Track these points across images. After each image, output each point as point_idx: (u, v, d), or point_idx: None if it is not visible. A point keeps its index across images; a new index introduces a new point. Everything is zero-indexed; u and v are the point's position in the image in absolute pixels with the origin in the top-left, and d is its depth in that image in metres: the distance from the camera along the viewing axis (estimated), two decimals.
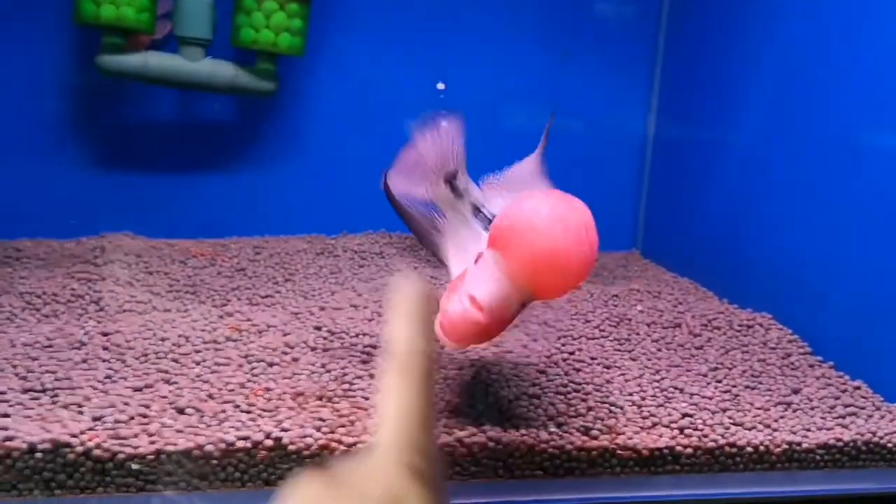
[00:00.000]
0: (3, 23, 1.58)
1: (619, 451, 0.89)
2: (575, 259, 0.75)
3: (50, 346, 1.05)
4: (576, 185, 1.91)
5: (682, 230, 1.73)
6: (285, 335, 1.13)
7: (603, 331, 1.24)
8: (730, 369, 1.12)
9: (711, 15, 1.70)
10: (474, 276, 0.78)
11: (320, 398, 0.93)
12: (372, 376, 0.99)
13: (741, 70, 1.57)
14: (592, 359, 1.11)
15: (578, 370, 1.06)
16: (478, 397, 0.96)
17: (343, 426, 0.87)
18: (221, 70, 1.61)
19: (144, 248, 1.59)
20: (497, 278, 0.76)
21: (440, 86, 1.63)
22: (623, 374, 1.06)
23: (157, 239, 1.66)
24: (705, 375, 1.09)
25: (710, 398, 1.02)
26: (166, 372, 0.97)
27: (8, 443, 0.77)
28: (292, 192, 1.77)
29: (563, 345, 1.16)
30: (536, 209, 0.77)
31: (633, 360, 1.13)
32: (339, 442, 0.84)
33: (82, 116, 1.66)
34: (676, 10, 1.84)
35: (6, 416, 0.84)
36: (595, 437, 0.90)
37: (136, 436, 0.82)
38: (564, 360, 1.10)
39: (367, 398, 0.93)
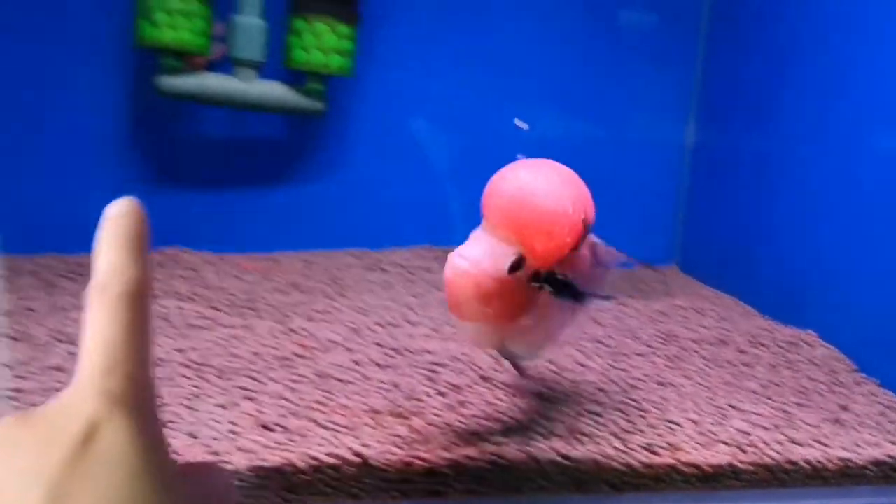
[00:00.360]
0: (66, 45, 1.63)
1: (681, 468, 0.93)
2: (544, 204, 0.77)
3: None
4: (611, 197, 1.96)
5: (722, 244, 1.77)
6: (350, 351, 1.18)
7: (652, 347, 1.28)
8: (779, 387, 1.16)
9: (753, 21, 1.72)
10: (465, 243, 0.82)
11: (395, 415, 0.98)
12: (441, 394, 1.04)
13: (785, 76, 1.59)
14: (646, 376, 1.15)
15: (634, 387, 1.11)
16: (543, 413, 1.01)
17: (420, 443, 0.91)
18: (273, 91, 1.66)
19: (199, 263, 1.65)
20: (481, 236, 0.80)
21: (522, 125, 1.68)
22: (678, 392, 1.11)
23: (209, 253, 1.72)
24: (757, 393, 1.14)
25: (764, 415, 1.06)
26: (246, 389, 1.02)
27: None
28: (339, 207, 1.83)
29: (616, 362, 1.21)
30: (513, 167, 0.81)
31: (686, 377, 1.17)
32: (420, 458, 0.88)
33: (139, 135, 1.72)
34: (717, 17, 1.87)
35: None
36: (658, 454, 0.94)
37: (229, 452, 0.87)
38: (619, 377, 1.14)
39: (438, 416, 0.98)
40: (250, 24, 1.63)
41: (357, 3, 1.66)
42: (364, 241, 1.82)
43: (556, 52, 1.88)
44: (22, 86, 1.62)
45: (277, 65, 1.66)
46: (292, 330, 1.26)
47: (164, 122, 1.73)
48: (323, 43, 1.63)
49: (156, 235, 1.49)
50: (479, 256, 0.77)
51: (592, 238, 0.90)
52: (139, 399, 0.40)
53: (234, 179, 1.79)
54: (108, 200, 1.47)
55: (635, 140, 1.94)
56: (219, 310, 1.39)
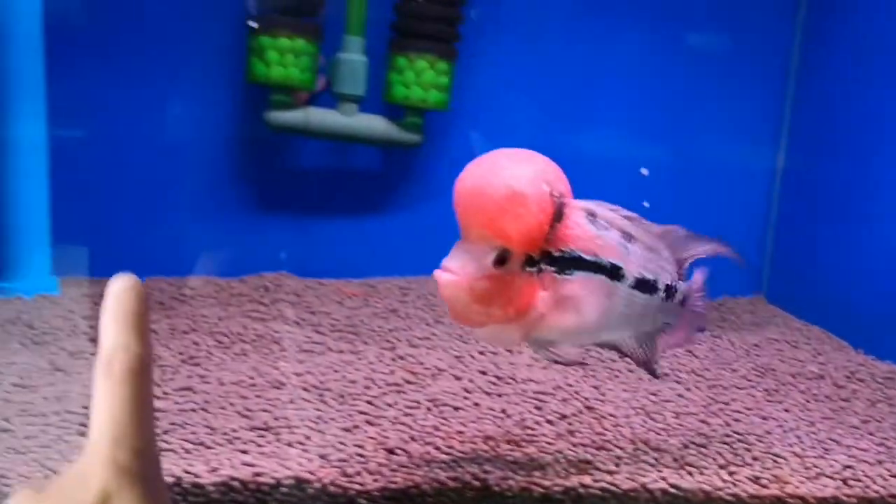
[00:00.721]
0: (184, 80, 1.73)
1: (788, 500, 0.96)
2: (500, 189, 0.77)
3: (254, 385, 1.17)
4: (697, 224, 1.98)
5: (812, 275, 1.77)
6: (458, 379, 1.24)
7: (750, 381, 1.31)
8: (879, 422, 1.19)
9: (847, 46, 1.72)
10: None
11: (508, 442, 1.03)
12: (550, 422, 1.09)
13: (883, 102, 1.58)
14: (748, 409, 1.18)
15: (737, 420, 1.14)
16: (649, 443, 1.05)
17: (536, 469, 0.96)
18: (374, 124, 1.73)
19: (301, 288, 1.72)
20: (459, 245, 0.81)
21: (644, 171, 1.74)
22: (780, 426, 1.14)
23: (310, 278, 1.79)
24: (857, 428, 1.16)
25: (866, 450, 1.08)
26: (367, 413, 1.08)
27: (258, 478, 0.89)
28: (434, 235, 1.88)
29: (716, 394, 1.24)
30: (466, 169, 0.82)
31: (787, 411, 1.20)
32: (537, 485, 0.93)
33: (246, 165, 1.80)
34: (810, 42, 1.88)
35: (245, 452, 0.95)
36: (765, 486, 0.97)
37: (358, 474, 0.93)
38: (721, 409, 1.18)
39: (550, 444, 1.03)
40: (353, 61, 1.70)
41: (456, 41, 1.72)
42: None
43: (647, 82, 1.91)
44: (139, 118, 1.71)
45: (376, 99, 1.73)
46: (400, 357, 1.32)
47: (269, 154, 1.81)
48: (423, 79, 1.70)
49: (261, 261, 1.58)
50: (461, 262, 0.79)
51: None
52: (146, 470, 0.42)
53: (334, 208, 1.87)
54: (217, 227, 1.56)
55: (723, 167, 1.96)
56: (325, 334, 1.46)
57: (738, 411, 1.18)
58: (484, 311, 0.81)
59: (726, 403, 1.20)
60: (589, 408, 1.15)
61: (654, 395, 1.22)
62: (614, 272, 0.86)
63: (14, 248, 1.54)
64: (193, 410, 1.07)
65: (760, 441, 1.08)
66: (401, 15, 1.71)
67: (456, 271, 0.79)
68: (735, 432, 1.10)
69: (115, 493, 0.39)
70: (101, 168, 1.72)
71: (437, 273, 0.80)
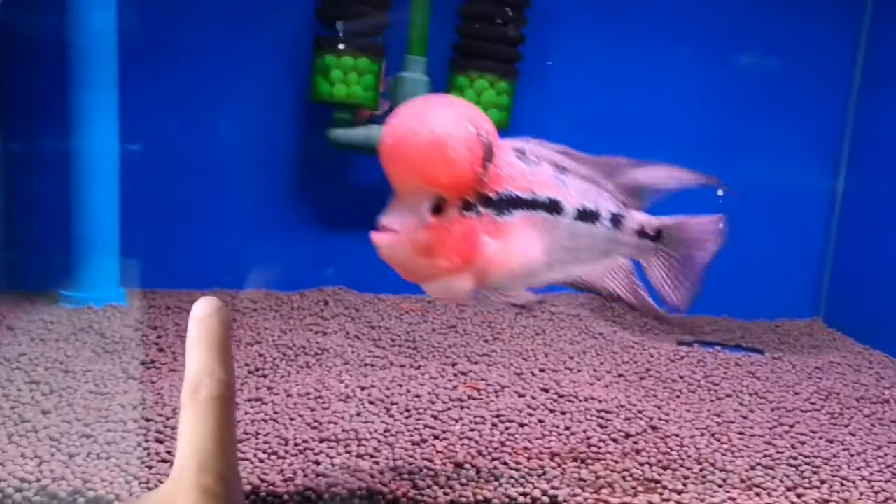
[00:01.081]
0: (247, 99, 1.76)
1: None
2: (425, 137, 0.74)
3: (321, 398, 1.19)
4: (755, 247, 1.99)
5: (872, 298, 1.76)
6: (521, 396, 1.25)
7: (814, 404, 1.31)
8: None
9: None
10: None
11: (575, 459, 1.04)
12: (615, 440, 1.10)
13: None
14: (813, 432, 1.18)
15: (803, 443, 1.14)
16: (715, 464, 1.05)
17: (604, 487, 0.97)
18: None
19: (360, 303, 1.75)
20: (392, 202, 0.79)
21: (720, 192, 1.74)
22: (846, 449, 1.13)
23: (368, 293, 1.81)
24: None
25: None
26: (433, 428, 1.10)
27: (333, 489, 0.91)
28: None
29: (780, 417, 1.24)
30: (387, 125, 0.79)
31: (852, 435, 1.19)
32: (606, 502, 0.94)
33: (307, 182, 1.84)
34: (871, 65, 1.87)
35: (318, 463, 0.97)
36: None
37: (429, 487, 0.94)
38: (786, 432, 1.17)
39: (617, 462, 1.03)
40: (415, 80, 1.73)
41: (516, 60, 1.74)
42: None
43: (705, 103, 1.92)
44: (205, 133, 1.76)
45: None
46: (462, 373, 1.33)
47: (329, 171, 1.84)
48: (483, 98, 1.72)
49: (319, 276, 1.60)
50: (397, 218, 0.77)
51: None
52: (229, 495, 0.44)
53: None
54: (278, 241, 1.59)
55: (782, 188, 1.95)
56: (385, 349, 1.47)
57: (804, 434, 1.17)
58: (429, 264, 0.78)
59: (791, 426, 1.20)
60: (653, 427, 1.15)
61: (717, 416, 1.22)
62: (552, 206, 0.83)
63: (86, 259, 1.58)
64: (265, 421, 1.09)
65: (827, 464, 1.07)
66: (462, 35, 1.73)
67: (393, 228, 0.77)
68: (801, 455, 1.09)
69: None
70: (166, 182, 1.77)
71: (374, 234, 0.78)
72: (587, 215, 0.86)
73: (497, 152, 0.78)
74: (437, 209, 0.77)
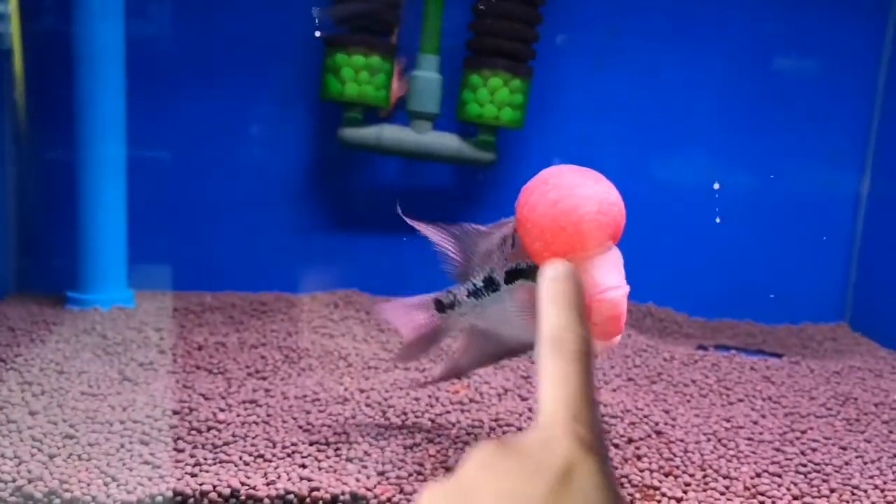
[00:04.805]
0: (257, 99, 1.75)
1: None
2: (592, 210, 0.81)
3: (318, 400, 1.16)
4: (778, 250, 1.93)
5: None
6: (524, 399, 1.21)
7: (830, 409, 1.26)
8: None
9: None
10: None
11: None
12: (616, 446, 1.06)
13: None
14: (826, 438, 1.13)
15: (814, 450, 1.09)
16: (719, 471, 1.01)
17: None
18: (447, 142, 1.73)
19: (371, 305, 1.72)
20: (592, 261, 0.83)
21: (716, 185, 1.71)
22: (860, 457, 1.08)
23: (380, 296, 1.79)
24: None
25: None
26: (428, 431, 1.07)
27: (315, 493, 0.88)
28: None
29: (793, 422, 1.19)
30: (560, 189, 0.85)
31: (867, 441, 1.14)
32: None
33: (319, 182, 1.82)
34: None
35: (304, 466, 0.95)
36: None
37: (416, 492, 0.91)
38: (797, 438, 1.13)
39: (616, 468, 1.00)
40: (429, 79, 1.70)
41: (531, 59, 1.71)
42: None
43: (727, 105, 1.87)
44: (214, 135, 1.75)
45: (449, 116, 1.73)
46: (465, 375, 1.30)
47: (342, 171, 1.83)
48: (496, 97, 1.69)
49: (331, 277, 1.58)
50: (618, 275, 0.82)
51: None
52: (602, 448, 0.43)
53: (405, 225, 1.86)
54: (289, 243, 1.57)
55: (806, 191, 1.91)
56: (392, 351, 1.45)
57: (816, 440, 1.12)
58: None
59: (803, 432, 1.15)
60: (658, 432, 1.11)
61: (726, 421, 1.18)
62: None
63: (93, 261, 1.57)
64: (255, 423, 1.07)
65: (839, 472, 1.03)
66: (475, 33, 1.70)
67: (620, 284, 0.81)
68: (812, 462, 1.05)
69: (580, 464, 0.39)
70: (176, 185, 1.76)
71: (615, 293, 0.81)
72: None
73: None
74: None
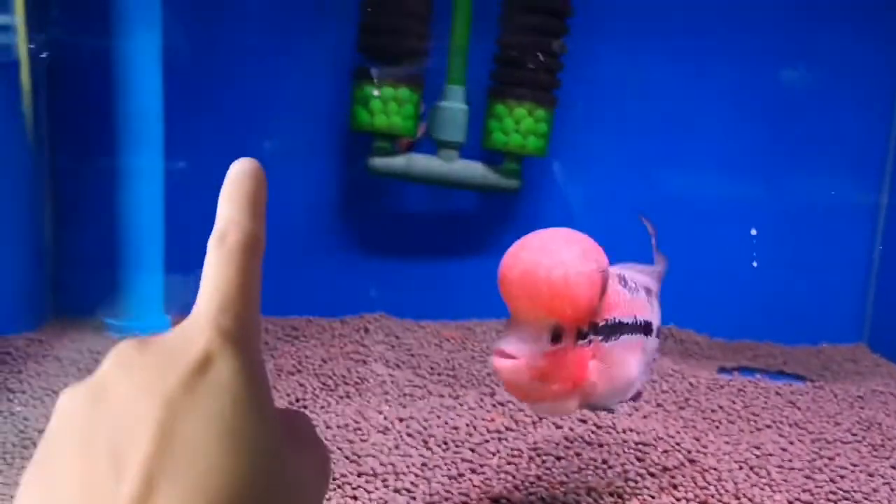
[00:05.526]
0: (288, 127, 1.80)
1: None
2: (559, 275, 0.78)
3: (359, 429, 1.20)
4: (793, 268, 1.96)
5: None
6: (558, 427, 1.25)
7: (855, 435, 1.29)
8: None
9: None
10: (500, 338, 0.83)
11: (611, 494, 1.04)
12: (652, 475, 1.10)
13: None
14: (854, 465, 1.17)
15: (843, 477, 1.13)
16: (753, 499, 1.05)
17: None
18: (473, 170, 1.77)
19: (400, 330, 1.76)
20: (512, 324, 0.82)
21: (753, 231, 1.75)
22: (887, 483, 1.12)
23: (408, 319, 1.83)
24: None
25: None
26: (470, 462, 1.11)
27: None
28: None
29: (820, 449, 1.23)
30: (515, 251, 0.82)
31: (893, 468, 1.18)
32: None
33: (347, 209, 1.86)
34: None
35: (355, 498, 0.99)
36: None
37: None
38: (826, 465, 1.17)
39: (653, 497, 1.04)
40: (455, 109, 1.75)
41: (555, 88, 1.75)
42: None
43: (745, 122, 1.91)
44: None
45: (474, 144, 1.77)
46: (500, 403, 1.34)
47: (370, 198, 1.87)
48: (521, 126, 1.73)
49: (361, 302, 1.63)
50: (518, 345, 0.80)
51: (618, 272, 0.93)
52: (247, 338, 0.43)
53: (432, 251, 1.91)
54: (320, 268, 1.62)
55: (823, 207, 1.94)
56: (425, 377, 1.49)
57: (844, 467, 1.16)
58: (543, 388, 0.82)
59: (831, 458, 1.19)
60: (691, 461, 1.15)
61: (756, 448, 1.21)
62: (646, 328, 0.92)
63: (130, 287, 1.62)
64: None
65: (867, 499, 1.06)
66: (500, 63, 1.75)
67: (514, 354, 0.80)
68: (841, 489, 1.09)
69: (218, 354, 0.40)
70: (209, 211, 1.80)
71: (496, 359, 0.81)
72: (656, 330, 0.96)
73: (608, 283, 0.85)
74: (556, 338, 0.82)
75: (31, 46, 1.61)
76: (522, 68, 1.72)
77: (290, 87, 1.79)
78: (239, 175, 0.49)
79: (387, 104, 1.68)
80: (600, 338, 0.86)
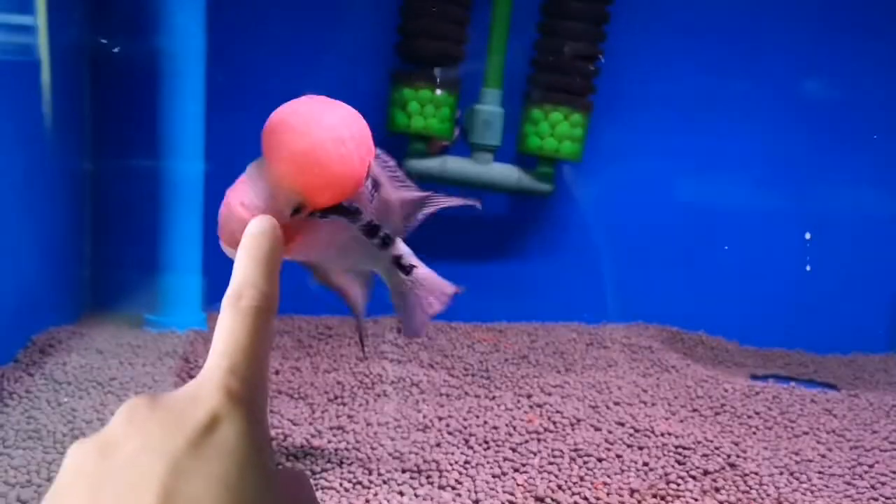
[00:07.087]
0: None
1: None
2: (327, 157, 0.73)
3: (400, 427, 1.21)
4: (823, 276, 1.96)
5: None
6: (597, 430, 1.26)
7: (893, 443, 1.30)
8: None
9: None
10: (241, 184, 0.79)
11: (654, 496, 1.05)
12: (693, 478, 1.10)
13: None
14: (894, 473, 1.17)
15: (884, 484, 1.13)
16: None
17: None
18: (508, 173, 1.78)
19: (433, 331, 1.77)
20: (255, 170, 0.78)
21: (807, 236, 1.76)
22: None
23: (439, 321, 1.84)
24: None
25: None
26: (513, 461, 1.11)
27: None
28: (560, 282, 1.92)
29: (859, 456, 1.23)
30: (294, 110, 0.77)
31: None
32: None
33: None
34: None
35: (401, 494, 1.00)
36: None
37: None
38: (866, 472, 1.17)
39: (696, 500, 1.04)
40: (490, 113, 1.76)
41: (591, 93, 1.76)
42: (581, 315, 1.90)
43: (775, 135, 1.91)
44: None
45: (508, 147, 1.78)
46: (538, 405, 1.34)
47: None
48: (557, 130, 1.74)
49: (389, 301, 1.62)
50: (258, 203, 0.77)
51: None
52: (254, 400, 0.44)
53: (465, 253, 1.92)
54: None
55: (854, 217, 1.94)
56: (459, 378, 1.50)
57: (884, 474, 1.16)
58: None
59: (871, 466, 1.19)
60: (731, 465, 1.15)
61: (795, 454, 1.22)
62: (354, 212, 0.88)
63: (169, 284, 1.63)
64: (347, 450, 1.12)
65: None
66: (537, 68, 1.76)
67: (251, 210, 0.77)
68: (883, 496, 1.09)
69: (225, 417, 0.41)
70: None
71: (233, 204, 0.78)
72: (371, 230, 0.92)
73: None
74: (295, 212, 0.81)
75: (103, 41, 1.63)
76: (560, 73, 1.73)
77: (328, 90, 1.80)
78: (257, 234, 0.51)
79: (424, 107, 1.70)
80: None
